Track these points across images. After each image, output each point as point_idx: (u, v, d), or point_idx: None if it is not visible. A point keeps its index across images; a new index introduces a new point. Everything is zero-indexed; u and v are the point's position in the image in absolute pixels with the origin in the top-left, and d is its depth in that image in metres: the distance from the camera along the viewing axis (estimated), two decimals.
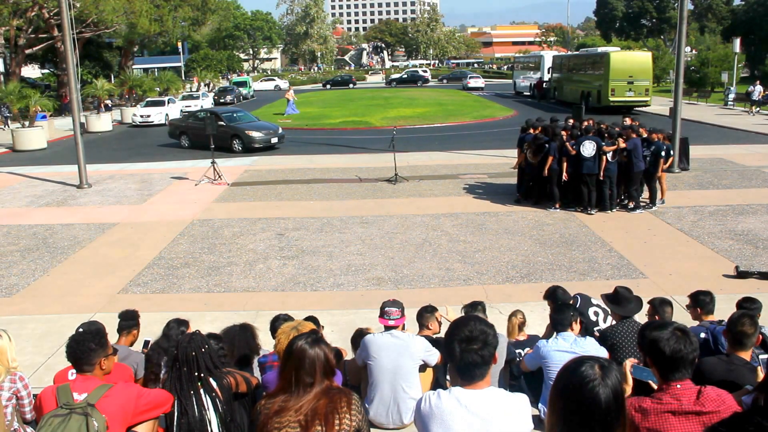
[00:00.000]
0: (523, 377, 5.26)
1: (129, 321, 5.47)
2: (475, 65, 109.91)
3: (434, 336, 5.30)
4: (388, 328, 4.83)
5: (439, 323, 5.41)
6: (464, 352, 2.61)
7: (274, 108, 42.15)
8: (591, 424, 2.01)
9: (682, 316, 6.30)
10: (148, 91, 41.69)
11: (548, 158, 13.11)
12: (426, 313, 5.47)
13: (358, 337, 5.52)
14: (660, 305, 5.33)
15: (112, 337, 4.59)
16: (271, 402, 2.95)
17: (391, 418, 4.71)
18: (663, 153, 12.91)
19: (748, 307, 5.21)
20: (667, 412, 2.74)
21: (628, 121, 14.55)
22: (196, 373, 3.72)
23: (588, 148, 12.66)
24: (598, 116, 19.46)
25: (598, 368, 2.05)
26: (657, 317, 5.17)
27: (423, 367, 4.85)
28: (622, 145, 12.68)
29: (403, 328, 4.95)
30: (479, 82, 58.84)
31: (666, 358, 2.85)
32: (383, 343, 4.73)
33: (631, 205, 13.18)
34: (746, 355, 4.05)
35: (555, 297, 5.79)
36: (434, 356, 4.81)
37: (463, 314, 4.95)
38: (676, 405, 2.75)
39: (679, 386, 2.80)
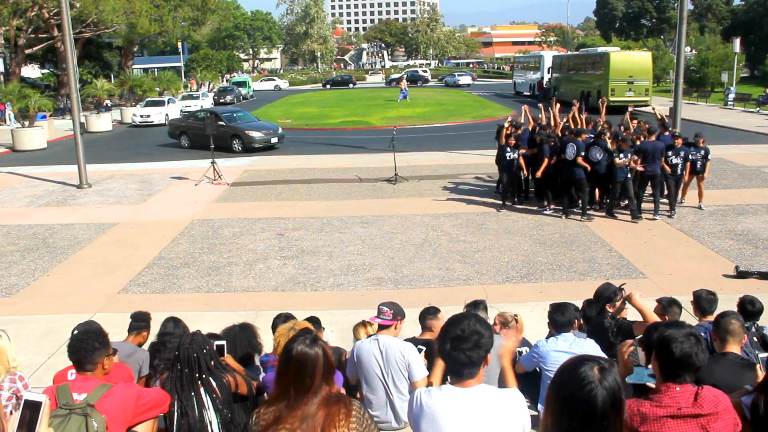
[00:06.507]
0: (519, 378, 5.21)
1: (140, 322, 5.46)
2: (471, 65, 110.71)
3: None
4: (380, 327, 4.78)
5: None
6: (453, 350, 2.56)
7: (273, 108, 42.13)
8: (586, 427, 1.95)
9: (685, 316, 6.28)
10: (148, 91, 41.66)
11: (544, 160, 13.05)
12: (428, 315, 5.31)
13: (356, 328, 5.51)
14: (668, 305, 5.31)
15: (110, 336, 4.59)
16: (268, 411, 2.84)
17: (390, 419, 4.70)
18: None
19: (749, 309, 5.20)
20: (667, 417, 2.71)
21: (634, 123, 14.46)
22: (197, 374, 3.72)
23: (595, 154, 12.44)
24: (597, 116, 19.39)
25: (597, 370, 1.98)
26: (667, 317, 5.17)
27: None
28: (640, 169, 12.17)
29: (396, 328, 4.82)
30: (467, 79, 67.86)
31: (675, 359, 2.76)
32: (367, 349, 4.65)
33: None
34: (737, 349, 4.06)
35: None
36: (419, 370, 4.53)
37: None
38: (675, 408, 2.72)
39: (678, 389, 2.77)
